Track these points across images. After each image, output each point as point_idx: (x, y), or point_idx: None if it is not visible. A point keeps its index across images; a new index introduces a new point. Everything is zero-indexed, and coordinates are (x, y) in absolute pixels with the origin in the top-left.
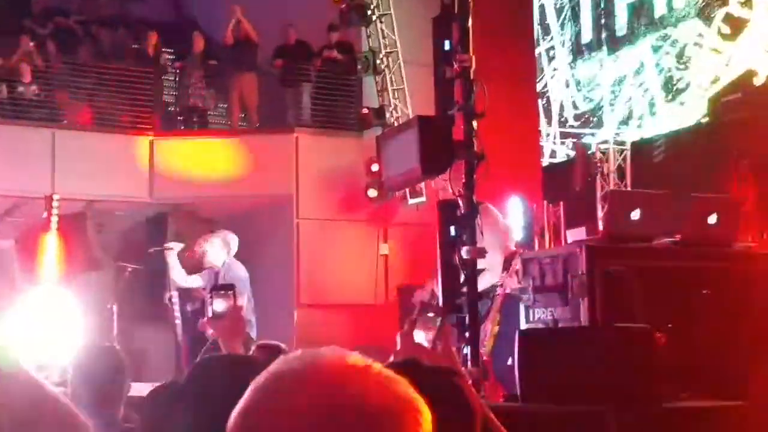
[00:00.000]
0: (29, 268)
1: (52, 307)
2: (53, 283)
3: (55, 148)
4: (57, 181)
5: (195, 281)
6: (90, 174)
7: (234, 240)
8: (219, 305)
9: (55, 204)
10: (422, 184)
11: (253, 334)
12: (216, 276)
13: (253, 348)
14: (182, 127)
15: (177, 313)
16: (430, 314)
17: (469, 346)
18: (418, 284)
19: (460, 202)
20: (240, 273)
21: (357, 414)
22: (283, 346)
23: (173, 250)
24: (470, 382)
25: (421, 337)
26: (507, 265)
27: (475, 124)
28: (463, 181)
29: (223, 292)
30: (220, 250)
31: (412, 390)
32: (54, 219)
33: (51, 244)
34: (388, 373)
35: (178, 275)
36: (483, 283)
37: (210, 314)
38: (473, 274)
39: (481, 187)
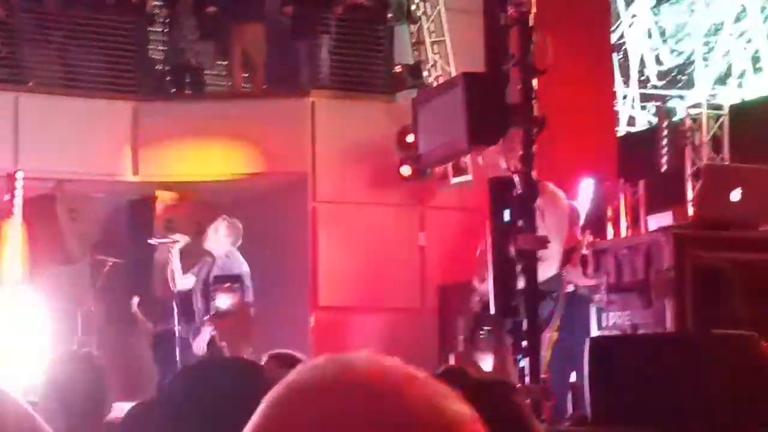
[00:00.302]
0: None
1: (15, 310)
2: (16, 282)
3: (19, 116)
4: (21, 156)
5: (187, 282)
6: (61, 147)
7: (240, 229)
8: (223, 301)
9: (18, 184)
10: (468, 159)
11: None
12: (210, 269)
13: (264, 359)
14: (173, 90)
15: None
16: (485, 330)
17: (527, 358)
18: (463, 282)
19: (516, 180)
20: (240, 266)
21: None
22: (298, 355)
23: (179, 243)
24: (528, 401)
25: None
26: (569, 256)
27: (535, 82)
28: (520, 153)
29: (228, 285)
30: (224, 237)
31: (466, 405)
32: (17, 202)
33: (14, 233)
34: (436, 384)
35: (176, 275)
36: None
37: (212, 311)
38: (532, 268)
39: (541, 161)
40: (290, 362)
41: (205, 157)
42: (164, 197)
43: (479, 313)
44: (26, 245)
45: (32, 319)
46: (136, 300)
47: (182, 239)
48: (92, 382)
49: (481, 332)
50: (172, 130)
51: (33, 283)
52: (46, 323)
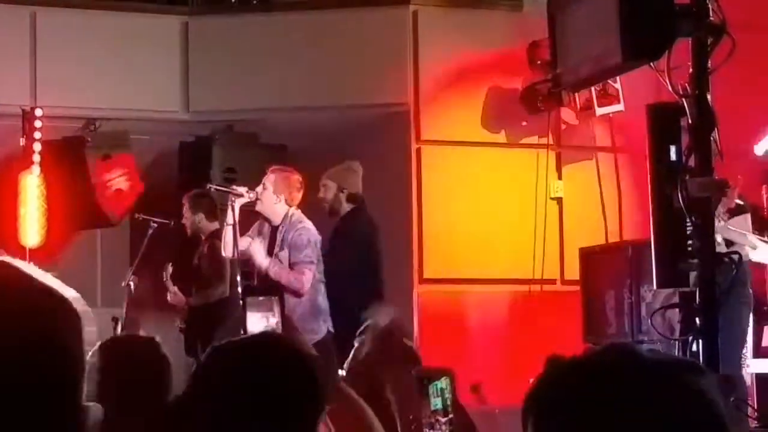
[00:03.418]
0: None
1: None
2: (35, 249)
3: (37, 37)
4: (40, 88)
5: (242, 245)
6: (90, 77)
7: (298, 182)
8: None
9: (37, 124)
10: (619, 83)
11: (327, 327)
12: (272, 236)
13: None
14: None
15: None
16: None
17: (699, 339)
18: (614, 244)
19: (686, 106)
20: (308, 233)
21: None
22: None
23: (243, 197)
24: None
25: None
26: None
27: None
28: (690, 71)
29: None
30: (276, 196)
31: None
32: (37, 147)
33: (32, 186)
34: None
35: (230, 239)
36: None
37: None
38: (707, 221)
39: (717, 83)
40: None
41: (275, 87)
42: (224, 139)
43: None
44: (47, 203)
45: None
46: (169, 269)
47: (247, 193)
48: (155, 375)
49: None
50: (233, 52)
51: (57, 251)
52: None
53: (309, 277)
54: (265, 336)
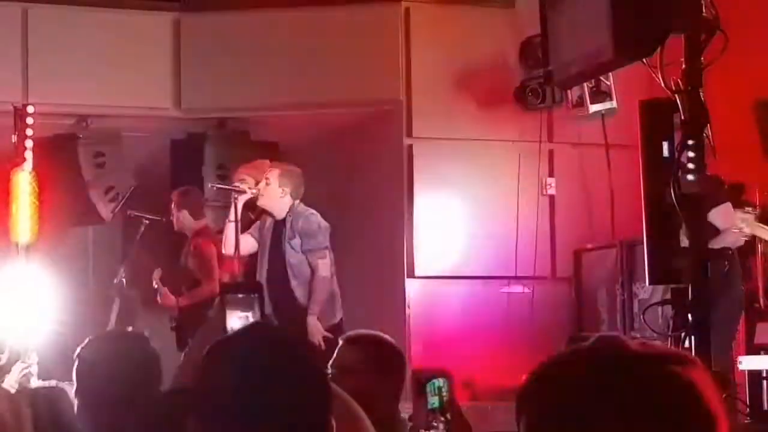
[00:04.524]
0: None
1: (25, 281)
2: (27, 246)
3: (29, 34)
4: (32, 85)
5: (247, 244)
6: (82, 73)
7: (299, 177)
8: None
9: (29, 121)
10: (611, 80)
11: (339, 316)
12: (276, 230)
13: (340, 342)
14: None
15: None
16: None
17: (691, 336)
18: (605, 243)
19: (679, 103)
20: (318, 219)
21: None
22: (387, 338)
23: (246, 194)
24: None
25: None
26: None
27: None
28: (683, 68)
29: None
30: (278, 190)
31: None
32: (28, 144)
33: (24, 183)
34: None
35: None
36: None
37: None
38: (699, 218)
39: (712, 77)
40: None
41: (267, 84)
42: (216, 137)
43: None
44: (39, 200)
45: (45, 294)
46: (158, 272)
47: (249, 190)
48: (144, 371)
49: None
50: (225, 49)
51: (48, 248)
52: (62, 299)
53: (327, 262)
54: (266, 329)
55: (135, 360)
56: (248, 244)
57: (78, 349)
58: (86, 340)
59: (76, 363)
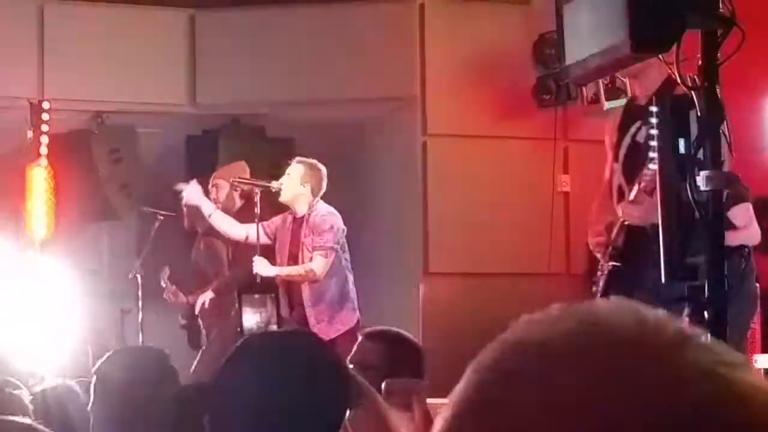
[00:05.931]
0: (3, 221)
1: (39, 278)
2: (41, 244)
3: (45, 30)
4: (48, 80)
5: (239, 228)
6: (97, 70)
7: (321, 172)
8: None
9: (45, 117)
10: (627, 77)
11: (357, 317)
12: (296, 227)
13: (360, 338)
14: None
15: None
16: None
17: (708, 334)
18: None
19: (695, 99)
20: (332, 219)
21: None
22: (406, 334)
23: (271, 188)
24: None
25: None
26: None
27: None
28: (699, 64)
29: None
30: (303, 185)
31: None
32: (44, 140)
33: (40, 179)
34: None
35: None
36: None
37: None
38: (717, 215)
39: (729, 72)
40: (393, 341)
41: (282, 80)
42: (231, 133)
43: None
44: (54, 196)
45: (57, 294)
46: (167, 271)
47: (270, 185)
48: (160, 390)
49: None
50: (240, 45)
51: (62, 246)
52: (76, 298)
53: (326, 262)
54: (292, 333)
55: (153, 379)
56: (242, 228)
57: (98, 364)
58: (105, 356)
59: (94, 379)
